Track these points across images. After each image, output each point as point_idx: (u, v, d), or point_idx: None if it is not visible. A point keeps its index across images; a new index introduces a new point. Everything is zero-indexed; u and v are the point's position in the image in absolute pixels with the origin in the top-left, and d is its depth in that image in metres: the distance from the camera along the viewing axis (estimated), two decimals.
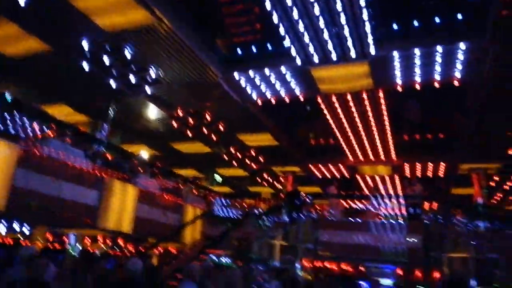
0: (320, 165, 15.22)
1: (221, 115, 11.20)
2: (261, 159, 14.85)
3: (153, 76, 8.65)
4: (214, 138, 12.33)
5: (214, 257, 10.38)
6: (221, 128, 11.74)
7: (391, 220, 12.67)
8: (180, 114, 10.72)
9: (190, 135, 11.86)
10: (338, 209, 14.16)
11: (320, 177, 16.32)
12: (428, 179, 15.03)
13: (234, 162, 15.29)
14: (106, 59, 7.84)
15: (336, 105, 9.97)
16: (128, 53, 8.00)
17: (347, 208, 15.20)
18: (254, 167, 15.61)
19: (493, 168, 13.49)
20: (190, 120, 11.07)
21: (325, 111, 10.45)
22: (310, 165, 15.24)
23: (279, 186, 17.68)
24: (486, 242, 10.71)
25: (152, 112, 11.06)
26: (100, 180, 9.23)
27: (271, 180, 17.74)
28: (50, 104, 11.45)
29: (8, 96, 9.22)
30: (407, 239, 12.02)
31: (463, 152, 12.59)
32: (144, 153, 13.59)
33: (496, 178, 14.60)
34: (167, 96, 10.07)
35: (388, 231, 12.41)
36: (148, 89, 9.06)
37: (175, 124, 11.14)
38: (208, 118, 11.03)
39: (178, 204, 12.42)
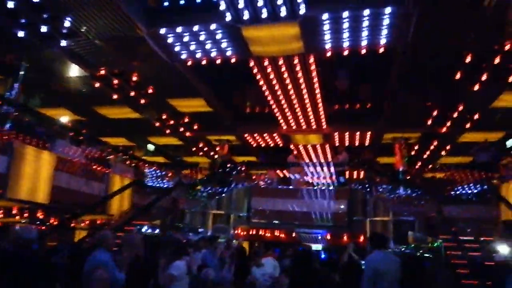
0: (254, 134, 15.18)
1: (149, 77, 10.53)
2: (195, 127, 14.42)
3: (68, 26, 7.75)
4: (143, 102, 11.65)
5: (140, 227, 9.98)
6: (150, 91, 11.09)
7: (321, 187, 13.14)
8: (103, 74, 9.88)
9: (115, 97, 11.07)
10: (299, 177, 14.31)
11: (255, 145, 16.35)
12: (355, 148, 15.74)
13: (167, 130, 14.72)
14: (9, 2, 6.83)
15: (269, 69, 9.82)
16: None
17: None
18: (188, 135, 15.16)
19: (414, 137, 14.40)
20: (115, 81, 10.28)
21: (258, 76, 10.27)
22: (244, 134, 15.15)
23: (216, 156, 17.41)
24: (403, 207, 11.52)
25: (72, 71, 10.06)
26: (10, 145, 8.32)
27: (206, 149, 17.43)
28: None
29: None
30: (334, 205, 12.59)
31: (387, 122, 13.24)
32: (64, 118, 12.46)
33: (416, 148, 15.69)
34: (86, 52, 9.16)
35: (317, 198, 12.86)
36: (63, 43, 8.16)
37: (97, 85, 10.29)
38: (135, 79, 10.31)
39: (103, 173, 11.70)
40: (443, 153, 16.17)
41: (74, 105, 12.59)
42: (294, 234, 16.99)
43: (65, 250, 6.32)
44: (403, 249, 9.32)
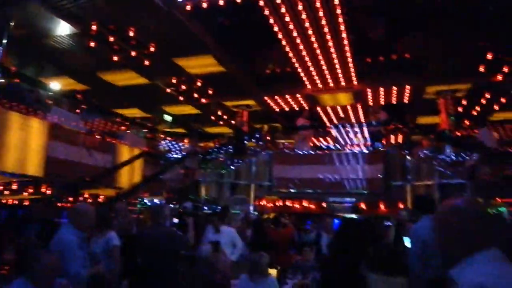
0: (276, 97, 13.68)
1: (148, 32, 9.23)
2: (210, 91, 13.12)
3: None
4: (147, 64, 10.44)
5: (147, 201, 8.95)
6: (152, 49, 9.82)
7: (352, 150, 11.58)
8: (96, 30, 8.68)
9: (116, 59, 9.91)
10: (306, 142, 12.91)
11: (278, 110, 14.87)
12: (392, 107, 13.86)
13: (180, 97, 13.52)
14: None
15: (283, 10, 8.21)
16: None
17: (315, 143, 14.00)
18: (204, 101, 13.92)
19: (462, 89, 12.35)
20: (111, 38, 9.07)
21: (271, 21, 8.69)
22: (265, 97, 13.68)
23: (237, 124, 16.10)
24: (451, 168, 9.87)
25: (62, 28, 8.93)
26: None
27: (226, 118, 16.15)
28: None
29: None
30: (368, 170, 11.07)
31: (431, 72, 11.32)
32: (55, 84, 11.41)
33: (464, 102, 13.59)
34: (71, 4, 7.97)
35: (348, 162, 11.36)
36: None
37: (92, 44, 9.13)
38: (133, 35, 9.04)
39: (108, 144, 10.75)
40: (496, 107, 13.96)
41: (74, 72, 11.54)
42: (324, 204, 15.64)
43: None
44: None
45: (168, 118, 16.03)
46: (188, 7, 7.89)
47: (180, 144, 15.10)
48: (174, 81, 12.16)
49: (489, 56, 10.13)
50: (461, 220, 1.48)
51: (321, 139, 15.24)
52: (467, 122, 15.11)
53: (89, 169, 9.49)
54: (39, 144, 8.18)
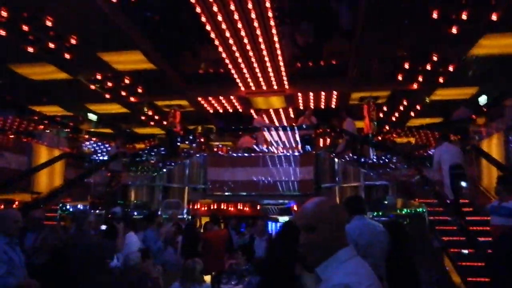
0: (209, 97, 13.50)
1: (69, 22, 8.48)
2: (139, 90, 12.52)
3: None
4: (68, 57, 9.64)
5: (69, 207, 8.22)
6: (74, 42, 9.08)
7: (285, 153, 11.80)
8: (6, 17, 7.77)
9: (31, 50, 8.99)
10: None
11: (212, 112, 14.69)
12: (321, 112, 14.45)
13: (106, 95, 12.72)
14: None
15: (215, 9, 8.09)
16: None
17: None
18: (133, 100, 13.25)
19: (383, 96, 13.27)
20: (25, 27, 8.19)
21: (203, 19, 8.52)
22: (198, 97, 13.43)
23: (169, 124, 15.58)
24: (375, 171, 10.48)
25: None
26: None
27: (158, 118, 15.56)
28: None
29: None
30: (300, 172, 11.35)
31: (354, 79, 11.99)
32: None
33: (385, 109, 14.63)
34: None
35: (281, 165, 11.55)
36: None
37: (2, 33, 8.16)
38: (51, 25, 8.25)
39: (23, 144, 9.73)
40: (412, 114, 15.25)
41: None
42: (258, 207, 15.75)
43: None
44: (378, 216, 8.17)
45: (93, 117, 14.99)
46: None
47: (106, 145, 14.20)
48: (99, 77, 11.38)
49: (406, 66, 11.03)
50: (321, 217, 1.52)
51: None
52: (387, 127, 16.31)
53: (0, 172, 8.50)
54: None
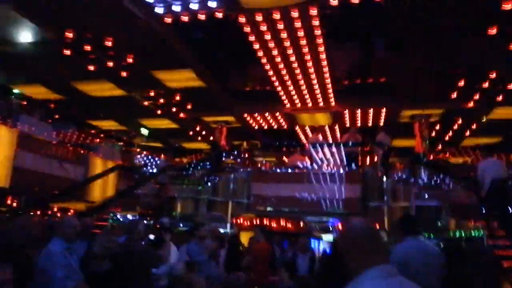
0: (255, 114, 13.67)
1: (126, 42, 9.06)
2: (188, 106, 12.97)
3: None
4: (125, 75, 10.23)
5: (119, 216, 8.59)
6: (131, 61, 9.64)
7: (330, 170, 11.60)
8: (71, 38, 8.45)
9: (92, 69, 9.66)
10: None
11: (257, 128, 14.84)
12: (369, 130, 14.10)
13: (158, 111, 13.31)
14: None
15: (263, 28, 8.26)
16: None
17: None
18: (182, 116, 13.74)
19: (436, 114, 12.72)
20: (87, 47, 8.85)
21: (251, 38, 8.72)
22: (244, 114, 13.65)
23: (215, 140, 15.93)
24: (426, 190, 10.00)
25: (30, 34, 8.60)
26: None
27: (205, 133, 15.98)
28: None
29: None
30: (346, 189, 11.08)
31: (405, 96, 11.63)
32: (17, 91, 10.79)
33: (437, 128, 14.00)
34: (40, 8, 7.66)
35: (327, 182, 11.35)
36: None
37: (67, 53, 8.87)
38: (111, 45, 8.85)
39: (81, 155, 10.36)
40: (467, 133, 14.45)
41: (47, 81, 11.11)
42: (302, 224, 15.46)
43: None
44: (430, 238, 7.74)
45: (144, 131, 15.72)
46: (168, 20, 7.81)
47: (156, 158, 14.76)
48: (152, 94, 11.96)
49: (461, 83, 10.52)
50: (353, 238, 1.61)
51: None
52: (440, 147, 15.56)
53: (60, 181, 9.09)
54: (6, 154, 7.77)
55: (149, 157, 14.47)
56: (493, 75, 9.76)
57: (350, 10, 7.65)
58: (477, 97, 11.08)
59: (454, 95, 11.15)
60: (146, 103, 12.48)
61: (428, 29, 8.36)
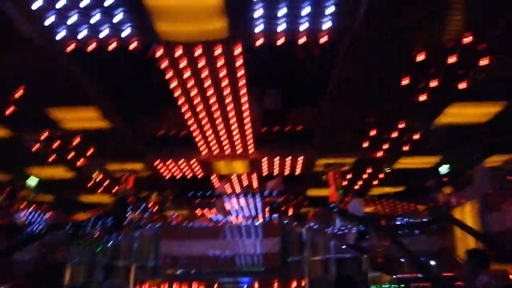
0: (168, 161, 12.54)
1: (16, 71, 7.53)
2: (89, 151, 11.34)
3: None
4: (9, 112, 8.50)
5: None
6: (19, 94, 8.04)
7: (247, 222, 10.83)
8: None
9: None
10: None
11: (168, 176, 13.62)
12: (286, 179, 13.88)
13: (50, 157, 11.36)
14: None
15: (184, 63, 7.56)
16: None
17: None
18: (81, 163, 11.95)
19: (348, 163, 13.03)
20: None
21: (169, 75, 7.94)
22: (156, 161, 12.42)
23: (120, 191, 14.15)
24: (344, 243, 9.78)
25: None
26: None
27: (107, 184, 14.16)
28: None
29: None
30: (265, 244, 10.33)
31: (320, 145, 11.71)
32: None
33: (349, 176, 14.36)
34: None
35: (243, 236, 10.49)
36: None
37: None
38: None
39: None
40: (374, 182, 15.09)
41: None
42: (216, 286, 14.13)
43: None
44: None
45: (33, 181, 13.32)
46: (69, 47, 6.65)
47: (44, 215, 12.52)
48: (44, 135, 10.15)
49: (373, 133, 10.91)
50: None
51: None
52: (350, 196, 15.97)
53: None
54: None
55: (36, 213, 12.16)
56: (402, 125, 10.29)
57: (273, 54, 7.43)
58: (386, 146, 11.58)
59: (366, 144, 11.51)
60: (36, 146, 10.57)
61: (342, 80, 8.51)
